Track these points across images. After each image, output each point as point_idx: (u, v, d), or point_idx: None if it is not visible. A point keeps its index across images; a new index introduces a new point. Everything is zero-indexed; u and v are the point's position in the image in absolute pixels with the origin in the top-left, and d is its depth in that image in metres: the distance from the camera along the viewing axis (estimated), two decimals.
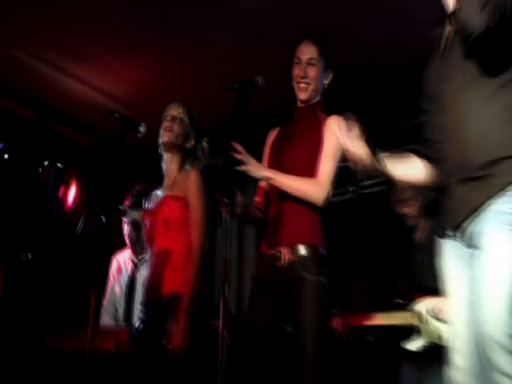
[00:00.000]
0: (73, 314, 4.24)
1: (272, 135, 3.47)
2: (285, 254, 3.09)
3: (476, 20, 2.20)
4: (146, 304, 3.50)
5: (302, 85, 3.28)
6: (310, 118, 3.27)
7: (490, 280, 2.21)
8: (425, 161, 2.68)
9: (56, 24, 4.94)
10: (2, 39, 5.10)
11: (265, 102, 4.13)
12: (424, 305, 3.84)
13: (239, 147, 2.99)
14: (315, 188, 3.12)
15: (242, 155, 3.00)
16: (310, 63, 3.28)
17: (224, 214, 2.83)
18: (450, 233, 2.44)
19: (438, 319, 3.71)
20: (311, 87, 3.28)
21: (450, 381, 2.41)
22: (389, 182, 4.18)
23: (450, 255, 2.47)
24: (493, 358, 2.15)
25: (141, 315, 3.52)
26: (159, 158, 3.69)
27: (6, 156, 5.22)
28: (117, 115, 3.46)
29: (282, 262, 3.08)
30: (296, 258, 3.05)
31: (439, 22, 2.61)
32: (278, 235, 3.14)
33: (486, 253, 2.25)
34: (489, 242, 2.25)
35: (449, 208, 2.45)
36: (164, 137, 3.59)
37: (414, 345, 3.85)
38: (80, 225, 3.41)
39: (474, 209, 2.31)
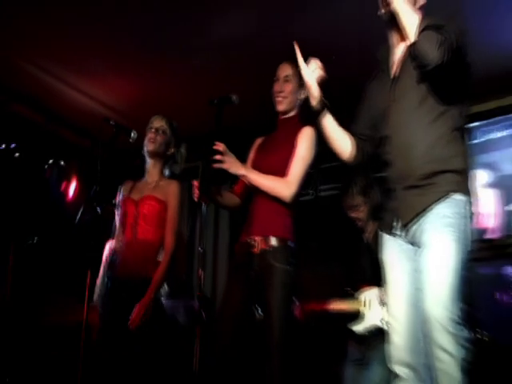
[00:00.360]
0: (71, 291, 4.22)
1: (257, 142, 3.47)
2: (258, 243, 3.09)
3: (434, 55, 2.23)
4: (116, 284, 3.46)
5: (279, 98, 3.29)
6: (288, 129, 3.28)
7: (434, 272, 2.27)
8: (356, 144, 2.70)
9: (62, 43, 4.94)
10: (16, 54, 5.11)
11: (239, 115, 4.14)
12: (369, 293, 3.88)
13: (221, 146, 2.98)
14: (283, 186, 3.11)
15: (223, 153, 2.98)
16: (286, 80, 3.29)
17: (202, 205, 2.87)
18: (397, 231, 2.48)
19: (381, 305, 3.75)
20: (287, 101, 3.29)
21: (389, 357, 2.46)
22: (343, 188, 4.21)
23: (394, 250, 2.51)
24: (435, 337, 2.21)
25: (107, 296, 3.51)
26: (144, 159, 3.69)
27: (16, 154, 5.20)
28: (112, 123, 3.47)
29: (256, 250, 3.09)
30: (267, 248, 3.06)
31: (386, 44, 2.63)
32: (254, 226, 3.14)
33: (429, 249, 2.31)
34: (431, 240, 2.31)
35: (395, 209, 2.49)
36: (148, 146, 3.58)
37: (360, 327, 3.88)
38: (79, 215, 3.40)
39: (419, 212, 2.37)
